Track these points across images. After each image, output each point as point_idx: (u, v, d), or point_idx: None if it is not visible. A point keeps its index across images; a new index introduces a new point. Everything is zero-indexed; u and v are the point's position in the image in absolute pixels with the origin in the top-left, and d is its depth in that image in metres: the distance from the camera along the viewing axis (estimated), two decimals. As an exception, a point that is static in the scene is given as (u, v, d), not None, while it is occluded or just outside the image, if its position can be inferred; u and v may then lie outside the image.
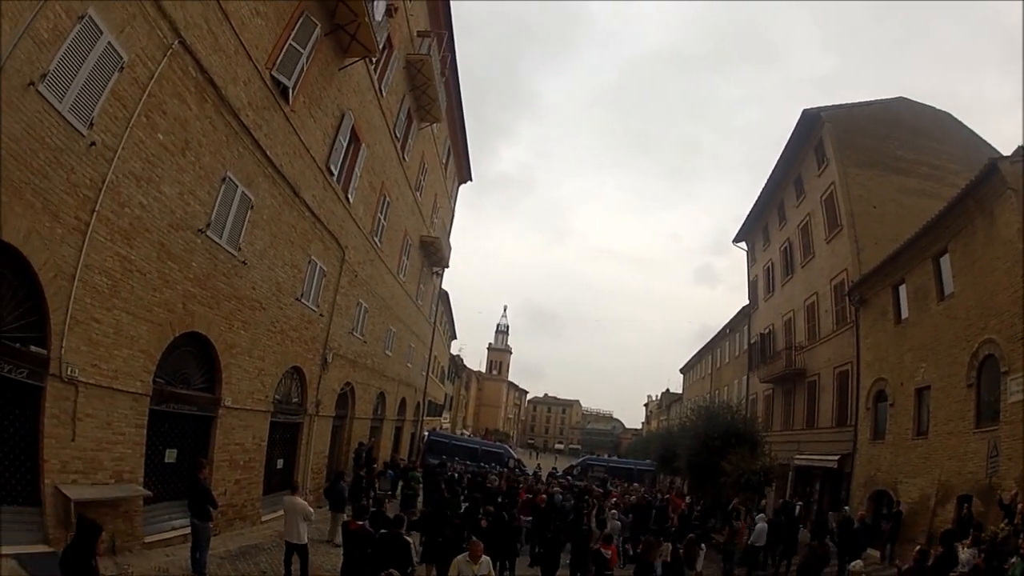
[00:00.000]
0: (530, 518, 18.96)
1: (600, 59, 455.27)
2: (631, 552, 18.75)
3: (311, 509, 12.93)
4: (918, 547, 12.88)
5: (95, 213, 9.36)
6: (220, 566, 11.96)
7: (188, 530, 11.83)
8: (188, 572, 11.04)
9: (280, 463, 18.13)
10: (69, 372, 9.21)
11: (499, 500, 19.42)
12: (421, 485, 21.99)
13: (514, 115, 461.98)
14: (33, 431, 8.94)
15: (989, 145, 28.81)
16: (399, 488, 22.86)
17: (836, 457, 25.74)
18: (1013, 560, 10.95)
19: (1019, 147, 16.97)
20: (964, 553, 12.65)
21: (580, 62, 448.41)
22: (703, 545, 15.84)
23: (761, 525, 19.26)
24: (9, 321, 8.51)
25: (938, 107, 31.62)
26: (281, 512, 14.19)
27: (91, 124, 9.04)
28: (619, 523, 19.32)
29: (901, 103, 31.33)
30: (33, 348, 8.76)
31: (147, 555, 11.23)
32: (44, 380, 8.89)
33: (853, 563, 14.08)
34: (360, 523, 11.58)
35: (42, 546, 8.92)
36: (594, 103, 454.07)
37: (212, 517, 11.61)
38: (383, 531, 11.20)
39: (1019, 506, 13.06)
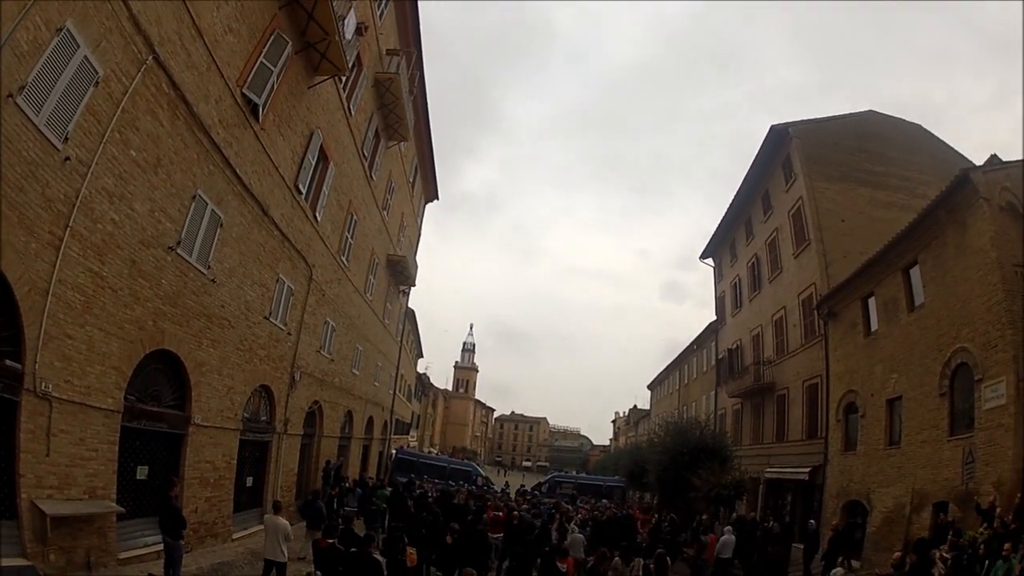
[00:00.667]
0: (500, 535, 18.82)
1: (567, 76, 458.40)
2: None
3: (290, 528, 13.00)
4: (896, 553, 13.10)
5: (68, 228, 9.34)
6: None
7: (160, 547, 11.80)
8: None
9: (250, 481, 18.01)
10: (43, 387, 9.16)
11: (467, 518, 19.23)
12: (386, 505, 21.91)
13: (479, 133, 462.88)
14: (10, 445, 8.89)
15: (960, 155, 29.26)
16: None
17: (807, 469, 26.00)
18: (997, 563, 11.15)
19: (992, 155, 17.45)
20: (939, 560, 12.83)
21: (546, 80, 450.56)
22: (669, 560, 15.87)
23: (728, 537, 19.48)
24: (-15, 335, 8.46)
25: (908, 119, 32.35)
26: (253, 530, 14.19)
27: (66, 138, 9.04)
28: (580, 537, 19.20)
29: (871, 116, 31.87)
30: (8, 362, 8.71)
31: (121, 571, 11.13)
32: (19, 395, 8.83)
33: (833, 571, 14.34)
34: (330, 541, 11.62)
35: (21, 560, 8.86)
36: (561, 121, 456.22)
37: (183, 535, 11.57)
38: (353, 550, 11.22)
39: (998, 510, 13.34)
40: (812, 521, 21.85)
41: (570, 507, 29.19)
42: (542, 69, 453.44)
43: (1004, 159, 17.65)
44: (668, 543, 18.98)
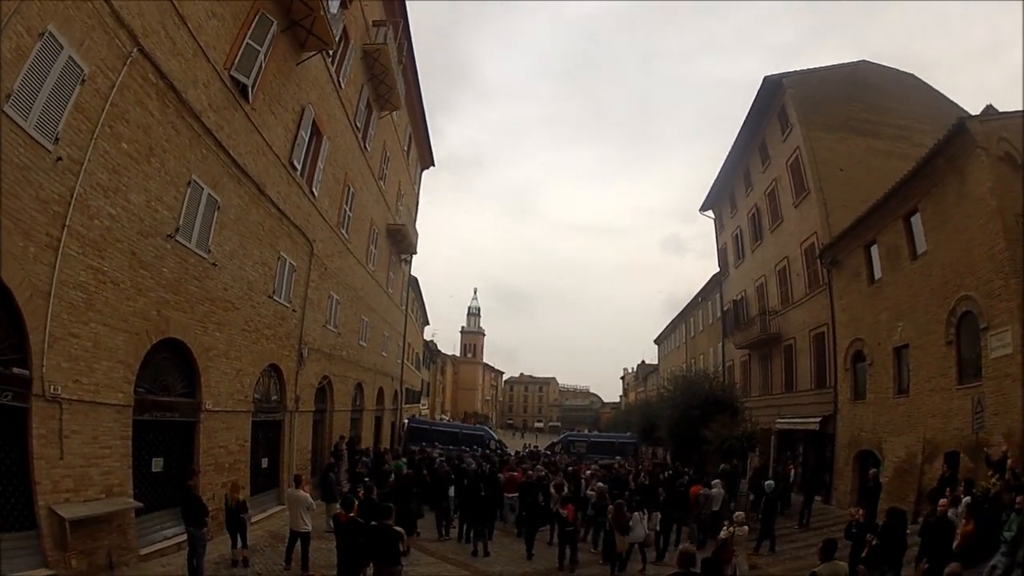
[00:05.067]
0: (515, 494, 20.14)
1: (539, 22, 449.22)
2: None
3: (312, 500, 13.33)
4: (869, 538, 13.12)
5: (65, 228, 9.28)
6: (216, 571, 11.97)
7: (182, 538, 11.97)
8: (186, 580, 11.08)
9: (265, 462, 18.10)
10: (52, 390, 9.15)
11: (475, 476, 20.35)
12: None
13: (456, 90, 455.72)
14: (23, 453, 8.90)
15: (955, 104, 29.05)
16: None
17: (818, 419, 26.12)
18: (1012, 515, 11.14)
19: (988, 105, 17.29)
20: (949, 512, 12.81)
21: (520, 30, 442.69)
22: (645, 510, 16.89)
23: (717, 491, 19.54)
24: (-10, 345, 8.44)
25: (901, 69, 31.92)
26: (272, 511, 14.30)
27: (57, 139, 8.95)
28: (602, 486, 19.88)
29: (864, 66, 31.47)
30: (16, 370, 8.69)
31: (144, 568, 11.22)
32: (29, 401, 8.83)
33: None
34: (350, 514, 11.68)
35: (43, 570, 8.91)
36: (541, 73, 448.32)
37: (206, 524, 11.66)
38: (373, 523, 11.28)
39: (1009, 461, 13.35)
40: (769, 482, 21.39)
41: (584, 466, 29.79)
42: (513, 18, 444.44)
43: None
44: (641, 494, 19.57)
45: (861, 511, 14.68)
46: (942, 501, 12.95)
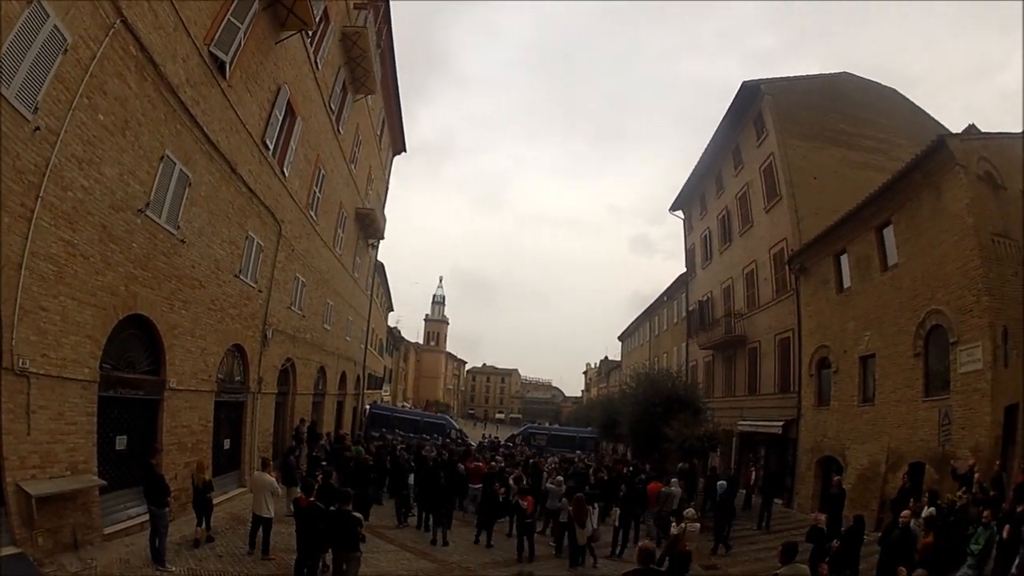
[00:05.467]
0: (479, 486, 20.07)
1: (519, 15, 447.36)
2: None
3: (278, 485, 13.36)
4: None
5: (39, 199, 9.11)
6: (178, 552, 11.85)
7: (144, 518, 11.81)
8: (148, 562, 10.95)
9: (227, 443, 17.95)
10: (21, 364, 8.99)
11: (434, 465, 20.70)
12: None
13: (429, 75, 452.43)
14: (-9, 429, 8.74)
15: (935, 120, 29.77)
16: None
17: (780, 423, 26.52)
18: (979, 529, 11.37)
19: (971, 125, 17.71)
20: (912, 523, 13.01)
21: (499, 20, 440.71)
22: (596, 505, 17.41)
23: (675, 489, 19.81)
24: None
25: (883, 83, 32.38)
26: (233, 493, 14.20)
27: (36, 109, 8.78)
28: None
29: (845, 77, 31.92)
30: (-15, 343, 8.51)
31: (108, 547, 11.07)
32: (-1, 375, 8.67)
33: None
34: (310, 499, 11.69)
35: (11, 548, 8.77)
36: (517, 64, 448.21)
37: (168, 503, 11.54)
38: (332, 508, 11.32)
39: (977, 475, 13.62)
40: (722, 483, 21.78)
41: (544, 459, 30.11)
42: (492, 5, 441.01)
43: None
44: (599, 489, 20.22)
45: (823, 517, 14.95)
46: (904, 512, 13.13)
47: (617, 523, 18.19)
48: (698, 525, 15.13)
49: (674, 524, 14.62)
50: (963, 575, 11.13)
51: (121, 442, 12.49)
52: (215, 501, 14.36)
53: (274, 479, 13.23)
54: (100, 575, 9.83)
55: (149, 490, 11.42)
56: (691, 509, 15.75)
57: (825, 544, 13.43)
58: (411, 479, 20.02)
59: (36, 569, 8.86)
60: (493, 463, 22.92)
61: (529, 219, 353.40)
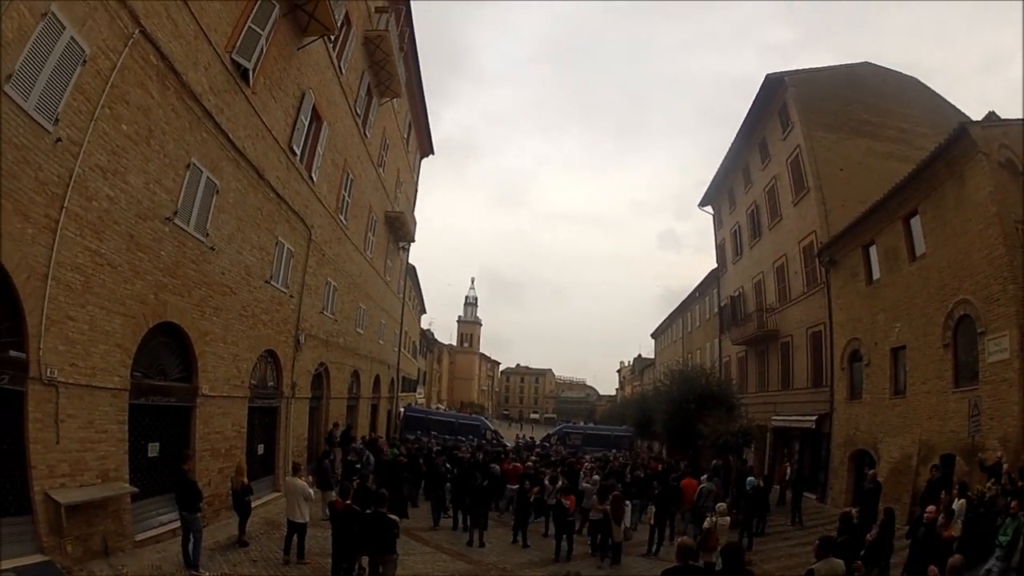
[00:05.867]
0: (516, 486, 20.04)
1: (535, 12, 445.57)
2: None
3: (311, 490, 13.31)
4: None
5: (64, 209, 9.18)
6: (211, 558, 11.91)
7: (176, 524, 11.89)
8: (181, 567, 11.02)
9: (261, 448, 18.05)
10: (49, 374, 9.07)
11: (469, 465, 20.86)
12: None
13: (448, 74, 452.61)
14: (19, 438, 8.83)
15: (956, 109, 29.24)
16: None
17: (814, 417, 26.12)
18: (1006, 520, 11.11)
19: (990, 112, 17.33)
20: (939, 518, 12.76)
21: (515, 17, 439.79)
22: (630, 503, 17.64)
23: (707, 486, 19.61)
24: (-14, 328, 8.35)
25: (904, 72, 31.88)
26: (267, 498, 14.26)
27: (56, 120, 8.86)
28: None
29: (866, 67, 31.47)
30: (12, 353, 8.61)
31: (139, 554, 11.15)
32: (25, 384, 8.76)
33: None
34: (346, 502, 11.66)
35: (39, 556, 8.84)
36: (533, 60, 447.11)
37: (201, 508, 11.60)
38: (368, 511, 11.26)
39: (1004, 466, 13.33)
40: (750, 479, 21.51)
41: (580, 459, 30.06)
42: (507, 2, 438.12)
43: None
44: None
45: (854, 510, 14.68)
46: (930, 508, 12.84)
47: (653, 521, 18.02)
48: (728, 519, 15.08)
49: (708, 518, 14.58)
50: (991, 566, 10.85)
51: (153, 449, 12.58)
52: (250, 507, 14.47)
53: (306, 483, 13.22)
54: (130, 581, 9.88)
55: (181, 496, 11.45)
56: (723, 504, 15.67)
57: (858, 536, 13.17)
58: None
59: (64, 576, 8.91)
60: (528, 463, 22.86)
61: (554, 216, 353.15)
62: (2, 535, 8.33)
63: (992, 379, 15.72)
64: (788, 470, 25.01)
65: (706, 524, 14.14)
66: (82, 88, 9.39)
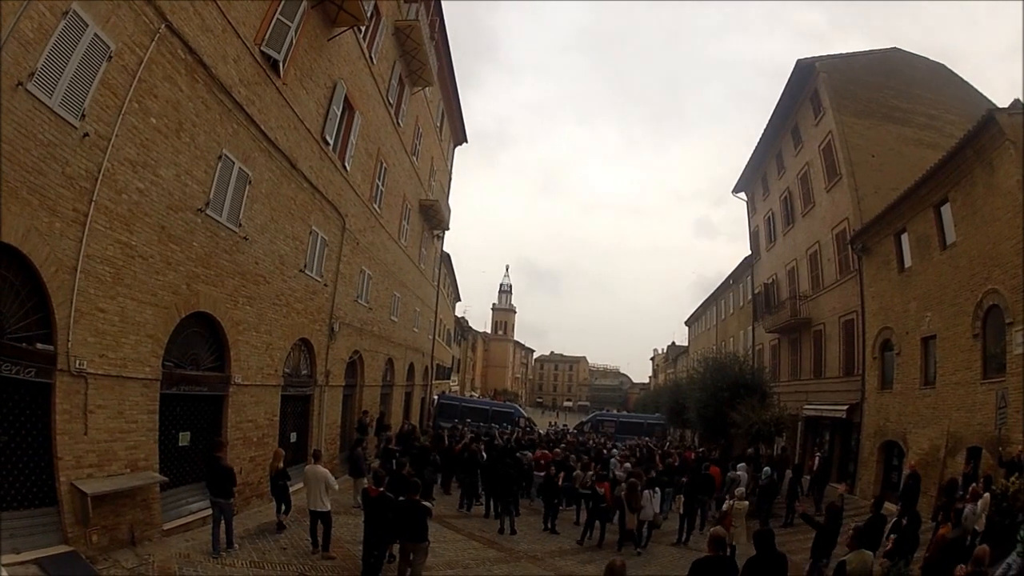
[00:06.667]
0: (543, 473, 20.36)
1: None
2: None
3: (333, 478, 13.22)
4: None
5: (93, 203, 9.32)
6: (241, 545, 12.02)
7: (207, 513, 12.10)
8: (210, 553, 11.18)
9: (294, 436, 18.21)
10: (77, 365, 9.22)
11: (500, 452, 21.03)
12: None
13: (480, 63, 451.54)
14: (45, 429, 8.98)
15: (984, 96, 28.79)
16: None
17: (845, 407, 25.78)
18: None
19: (1016, 100, 16.84)
20: (967, 508, 12.57)
21: (540, 3, 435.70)
22: (657, 490, 17.61)
23: (740, 474, 19.46)
24: (14, 321, 8.52)
25: (932, 58, 31.43)
26: (299, 486, 14.35)
27: (83, 115, 8.96)
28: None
29: (895, 53, 31.02)
30: (40, 346, 8.76)
31: (167, 543, 11.31)
32: (53, 377, 8.90)
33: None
34: (380, 489, 11.71)
35: (62, 547, 8.98)
36: (565, 48, 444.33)
37: (233, 493, 11.78)
38: (402, 498, 11.31)
39: None
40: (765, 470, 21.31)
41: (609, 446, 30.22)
42: None
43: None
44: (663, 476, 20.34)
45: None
46: (944, 528, 12.61)
47: (682, 511, 17.97)
48: (746, 503, 15.36)
49: (728, 500, 14.88)
50: (1012, 561, 10.66)
51: (184, 438, 12.74)
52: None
53: (328, 471, 13.21)
54: (157, 570, 10.03)
55: (213, 482, 11.60)
56: (741, 488, 15.78)
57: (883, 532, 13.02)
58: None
59: (88, 566, 9.06)
60: (557, 451, 22.96)
61: (590, 205, 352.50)
62: (22, 526, 8.50)
63: (1018, 371, 15.29)
64: (817, 460, 24.81)
65: (724, 506, 14.52)
66: (109, 84, 9.48)
